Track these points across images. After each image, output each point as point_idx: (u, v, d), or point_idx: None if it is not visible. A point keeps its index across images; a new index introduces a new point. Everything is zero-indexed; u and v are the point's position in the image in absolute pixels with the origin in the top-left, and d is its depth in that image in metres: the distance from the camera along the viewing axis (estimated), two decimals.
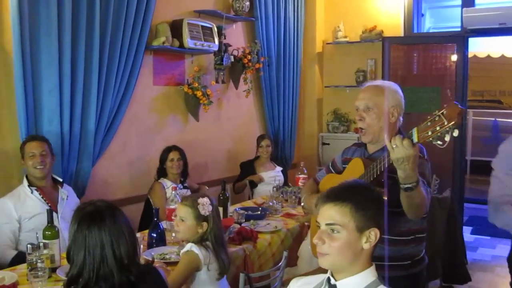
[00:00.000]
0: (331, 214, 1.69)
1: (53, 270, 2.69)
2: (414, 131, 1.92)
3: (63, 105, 3.75)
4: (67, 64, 3.72)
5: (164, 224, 3.39)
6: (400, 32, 6.21)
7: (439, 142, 1.84)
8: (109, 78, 4.03)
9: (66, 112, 3.78)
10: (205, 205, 2.63)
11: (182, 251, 2.64)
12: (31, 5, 3.50)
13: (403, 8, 6.20)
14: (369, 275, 1.71)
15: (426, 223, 2.53)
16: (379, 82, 2.68)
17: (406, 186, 2.05)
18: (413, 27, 6.27)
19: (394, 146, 1.96)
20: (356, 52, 6.43)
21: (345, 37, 6.42)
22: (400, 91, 2.53)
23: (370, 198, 1.75)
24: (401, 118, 2.52)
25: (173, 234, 3.35)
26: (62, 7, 3.62)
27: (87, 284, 1.85)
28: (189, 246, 2.59)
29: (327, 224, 1.70)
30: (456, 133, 1.80)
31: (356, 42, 6.34)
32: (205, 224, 2.63)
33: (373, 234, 1.69)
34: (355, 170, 2.49)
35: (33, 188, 3.38)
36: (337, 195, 1.72)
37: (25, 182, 3.39)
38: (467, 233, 6.08)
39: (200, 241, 2.61)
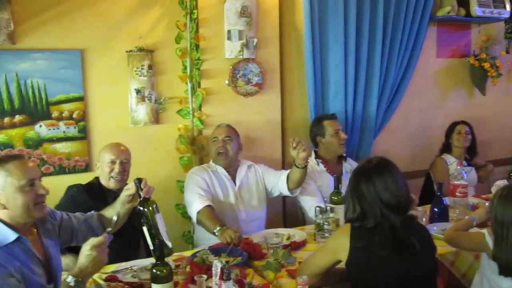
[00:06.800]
0: None
1: None
2: None
3: (347, 79, 3.89)
4: (352, 41, 3.85)
5: (447, 200, 3.27)
6: None
7: None
8: (392, 51, 4.03)
9: (350, 87, 3.91)
10: None
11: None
12: None
13: None
14: None
15: None
16: None
17: None
18: None
19: None
20: None
21: None
22: None
23: None
24: None
25: (457, 211, 3.22)
26: None
27: (372, 222, 2.12)
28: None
29: None
30: None
31: None
32: None
33: None
34: None
35: (319, 161, 3.60)
36: None
37: (313, 155, 3.63)
38: None
39: None
